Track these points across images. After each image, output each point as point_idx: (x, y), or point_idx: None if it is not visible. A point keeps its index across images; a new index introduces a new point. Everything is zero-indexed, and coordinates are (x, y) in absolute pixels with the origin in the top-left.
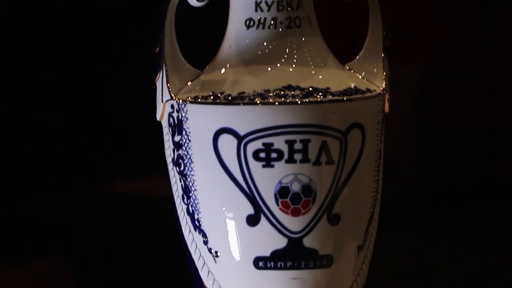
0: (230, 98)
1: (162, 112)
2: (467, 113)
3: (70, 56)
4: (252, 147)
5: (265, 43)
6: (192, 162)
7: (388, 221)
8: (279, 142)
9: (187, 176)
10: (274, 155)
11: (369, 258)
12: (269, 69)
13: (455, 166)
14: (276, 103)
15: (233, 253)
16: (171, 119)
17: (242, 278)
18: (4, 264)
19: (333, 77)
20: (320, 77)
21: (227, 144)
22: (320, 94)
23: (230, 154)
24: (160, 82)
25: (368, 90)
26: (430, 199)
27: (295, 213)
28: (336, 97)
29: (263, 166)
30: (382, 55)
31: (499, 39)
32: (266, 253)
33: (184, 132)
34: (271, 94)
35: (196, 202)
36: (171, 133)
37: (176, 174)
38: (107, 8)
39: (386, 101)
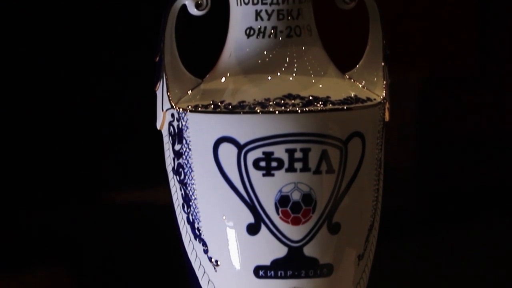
0: (230, 107)
1: (162, 121)
2: (468, 121)
3: (70, 65)
4: (252, 156)
5: (265, 52)
6: (192, 171)
7: (388, 230)
8: (279, 151)
9: (188, 185)
10: (274, 164)
11: (369, 267)
12: (269, 78)
13: (455, 174)
14: (276, 112)
15: (233, 262)
16: (171, 128)
17: (242, 287)
18: (4, 273)
19: (333, 86)
20: (320, 86)
21: (228, 153)
22: (320, 103)
23: (230, 163)
24: (160, 91)
25: (368, 99)
26: (430, 208)
27: (296, 222)
28: (336, 106)
29: (264, 175)
30: (382, 64)
31: (499, 47)
32: (267, 262)
33: (184, 141)
34: (272, 103)
35: (196, 211)
36: (171, 142)
37: (177, 183)
38: (108, 16)
39: (386, 110)
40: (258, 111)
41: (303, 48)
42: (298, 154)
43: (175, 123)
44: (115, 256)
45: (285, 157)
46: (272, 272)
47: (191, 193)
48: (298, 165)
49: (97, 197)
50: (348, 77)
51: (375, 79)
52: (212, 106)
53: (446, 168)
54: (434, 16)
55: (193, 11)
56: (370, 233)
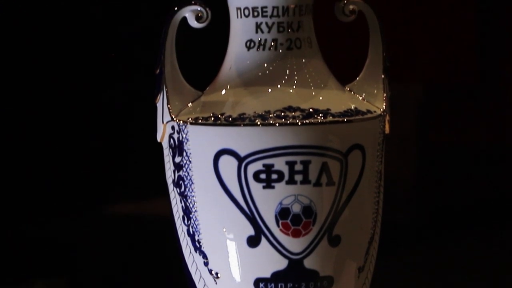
0: (230, 119)
1: (163, 133)
2: (467, 133)
3: (72, 78)
4: (252, 168)
5: (265, 65)
6: (192, 183)
7: (388, 243)
8: (279, 163)
9: (188, 197)
10: (274, 176)
11: (369, 280)
12: (269, 90)
13: (456, 186)
14: (277, 124)
15: (233, 274)
16: (171, 140)
17: None
18: (3, 285)
19: (334, 98)
20: (321, 98)
21: (228, 165)
22: (320, 115)
23: (230, 175)
24: (161, 103)
25: (369, 111)
26: (431, 220)
27: (296, 234)
28: (336, 118)
29: (264, 187)
30: (383, 76)
31: (498, 58)
32: (267, 274)
33: (184, 153)
34: (272, 115)
35: (196, 223)
36: (171, 154)
37: (177, 195)
38: (108, 31)
39: (387, 122)
40: (259, 123)
41: (304, 60)
42: (298, 167)
43: (175, 136)
44: (116, 268)
45: (285, 169)
46: (273, 285)
47: (191, 205)
48: (298, 178)
49: (98, 209)
50: (348, 89)
51: (375, 91)
52: (213, 118)
53: (446, 180)
54: (433, 28)
55: (194, 23)
56: (370, 245)
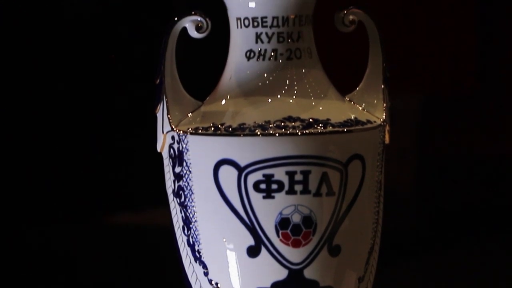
0: (230, 129)
1: (163, 143)
2: (467, 143)
3: (72, 87)
4: (252, 178)
5: (265, 75)
6: (192, 193)
7: (388, 252)
8: (279, 173)
9: (188, 207)
10: (274, 186)
11: None
12: (269, 100)
13: (455, 196)
14: (277, 135)
15: (233, 285)
16: (171, 150)
17: None
18: None
19: (334, 108)
20: (321, 108)
21: (228, 175)
22: (320, 125)
23: (230, 185)
24: (161, 113)
25: (369, 122)
26: (431, 230)
27: (296, 244)
28: (336, 129)
29: (264, 197)
30: (382, 86)
31: (498, 68)
32: (267, 284)
33: (184, 163)
34: (272, 125)
35: (196, 233)
36: (171, 164)
37: (177, 205)
38: (109, 39)
39: (386, 133)
40: (259, 133)
41: (303, 70)
42: (298, 177)
43: (175, 146)
44: (116, 277)
45: (285, 179)
46: None
47: (191, 215)
48: (298, 188)
49: (98, 218)
50: (348, 99)
51: (375, 101)
52: (213, 128)
53: (446, 190)
54: (433, 38)
55: (194, 33)
56: (370, 256)
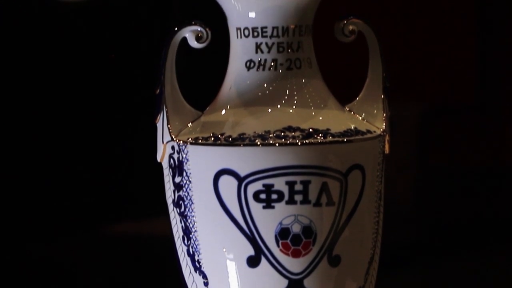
0: (230, 139)
1: (163, 153)
2: (467, 153)
3: (73, 98)
4: (252, 188)
5: (265, 85)
6: (192, 203)
7: (388, 263)
8: (279, 183)
9: (188, 217)
10: (274, 196)
11: None
12: (269, 110)
13: (455, 206)
14: (277, 144)
15: None
16: (171, 160)
17: None
18: None
19: (333, 118)
20: (320, 118)
21: (228, 185)
22: (320, 135)
23: (230, 195)
24: (161, 123)
25: (368, 131)
26: (430, 240)
27: (296, 254)
28: (336, 138)
29: (264, 207)
30: (382, 96)
31: (498, 78)
32: None
33: (184, 173)
34: (272, 135)
35: (196, 243)
36: (171, 174)
37: (177, 215)
38: (109, 48)
39: (386, 142)
40: (258, 143)
41: (303, 80)
42: (298, 187)
43: (175, 156)
44: (116, 287)
45: (285, 189)
46: None
47: (191, 225)
48: (298, 198)
49: (98, 228)
50: (348, 109)
51: (375, 111)
52: (213, 138)
53: (445, 200)
54: (434, 50)
55: (194, 43)
56: (370, 266)
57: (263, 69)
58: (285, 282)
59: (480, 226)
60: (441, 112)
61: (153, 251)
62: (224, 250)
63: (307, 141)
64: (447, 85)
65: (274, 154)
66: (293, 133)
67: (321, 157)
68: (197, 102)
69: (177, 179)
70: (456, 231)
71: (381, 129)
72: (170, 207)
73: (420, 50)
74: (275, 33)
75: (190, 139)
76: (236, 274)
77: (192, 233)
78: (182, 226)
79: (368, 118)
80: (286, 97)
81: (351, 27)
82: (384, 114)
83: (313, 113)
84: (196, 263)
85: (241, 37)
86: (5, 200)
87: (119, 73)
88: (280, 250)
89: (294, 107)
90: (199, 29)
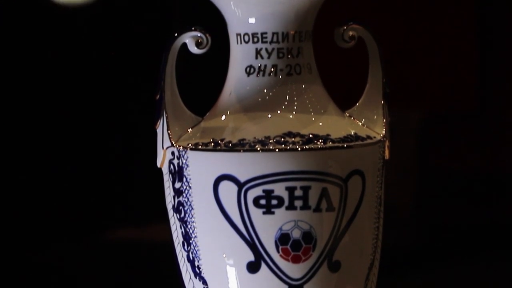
0: (230, 145)
1: (163, 159)
2: (467, 159)
3: (72, 103)
4: (252, 194)
5: (265, 90)
6: (192, 209)
7: (388, 268)
8: (279, 189)
9: (188, 223)
10: (274, 201)
11: None
12: (269, 116)
13: (455, 212)
14: (277, 150)
15: None
16: (171, 166)
17: None
18: None
19: (333, 124)
20: (320, 124)
21: (228, 191)
22: (320, 141)
23: (230, 201)
24: (161, 129)
25: (368, 137)
26: (430, 246)
27: (296, 260)
28: (336, 144)
29: (264, 212)
30: (382, 102)
31: (499, 85)
32: None
33: (184, 179)
34: (272, 141)
35: (196, 249)
36: (171, 180)
37: (177, 221)
38: (109, 55)
39: (386, 148)
40: (258, 149)
41: (303, 86)
42: (298, 192)
43: (175, 161)
44: None
45: (285, 195)
46: None
47: (191, 231)
48: (298, 203)
49: (98, 234)
50: (348, 115)
51: (375, 117)
52: (212, 144)
53: (445, 206)
54: (435, 55)
55: (194, 49)
56: (370, 271)
57: (263, 75)
58: (285, 287)
59: (481, 231)
60: (441, 118)
61: (153, 256)
62: (224, 255)
63: (307, 146)
64: (447, 91)
65: (274, 159)
66: (293, 139)
67: (321, 163)
68: (197, 108)
69: (177, 185)
70: (456, 236)
71: (381, 135)
72: (170, 212)
73: (421, 56)
74: (275, 39)
75: (190, 145)
76: (236, 279)
77: (192, 239)
78: (182, 232)
79: (368, 124)
80: (286, 103)
81: (351, 33)
82: (384, 120)
83: (313, 119)
84: (196, 268)
85: (241, 42)
86: (6, 206)
87: (119, 78)
88: (280, 255)
89: (294, 112)
90: (199, 35)
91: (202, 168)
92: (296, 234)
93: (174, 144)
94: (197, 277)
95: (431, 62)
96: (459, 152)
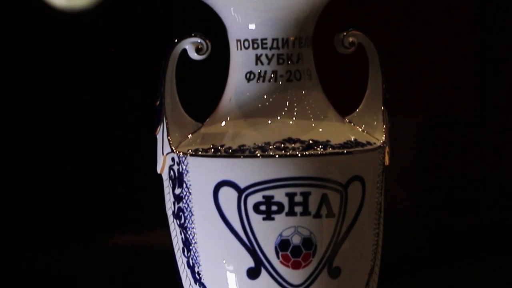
0: (230, 151)
1: (163, 165)
2: (467, 164)
3: (73, 108)
4: (252, 199)
5: (265, 96)
6: (192, 215)
7: (388, 274)
8: (279, 195)
9: (188, 229)
10: (274, 207)
11: None
12: (269, 122)
13: (455, 218)
14: (277, 156)
15: None
16: (171, 172)
17: None
18: None
19: (333, 130)
20: (320, 130)
21: (228, 196)
22: (320, 147)
23: (230, 206)
24: (161, 135)
25: (368, 143)
26: (431, 252)
27: (296, 266)
28: (336, 150)
29: (264, 218)
30: (382, 108)
31: (498, 90)
32: None
33: (184, 185)
34: (272, 146)
35: (196, 255)
36: (171, 185)
37: (177, 227)
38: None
39: (386, 154)
40: (258, 155)
41: (303, 92)
42: (298, 198)
43: (175, 167)
44: None
45: (285, 201)
46: None
47: (191, 237)
48: (298, 209)
49: (98, 240)
50: (348, 121)
51: (375, 123)
52: (213, 150)
53: (446, 211)
54: (435, 62)
55: (194, 55)
56: (370, 277)
57: (263, 81)
58: None
59: (481, 237)
60: (441, 124)
61: (153, 262)
62: (224, 261)
63: (307, 152)
64: (448, 97)
65: (274, 165)
66: (293, 145)
67: (321, 169)
68: (197, 114)
69: (177, 191)
70: (456, 243)
71: (381, 141)
72: (170, 218)
73: (420, 61)
74: (275, 45)
75: (190, 151)
76: (236, 286)
77: (192, 245)
78: (182, 238)
79: (368, 130)
80: (286, 109)
81: (351, 39)
82: (384, 126)
83: (313, 125)
84: (196, 274)
85: (241, 48)
86: (5, 211)
87: (119, 84)
88: (280, 261)
89: (294, 118)
90: (199, 41)
91: (202, 174)
92: (296, 240)
93: (174, 150)
94: (197, 283)
95: (431, 67)
96: (459, 157)
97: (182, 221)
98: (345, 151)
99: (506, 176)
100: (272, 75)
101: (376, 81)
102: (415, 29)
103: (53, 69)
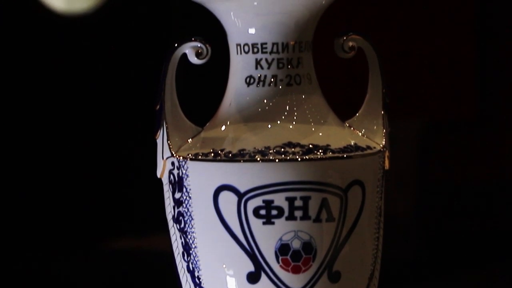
0: (230, 155)
1: (163, 169)
2: (467, 168)
3: (74, 115)
4: (252, 204)
5: (265, 100)
6: (192, 219)
7: (388, 279)
8: (279, 199)
9: (188, 233)
10: (274, 212)
11: None
12: (269, 126)
13: (455, 222)
14: (276, 160)
15: None
16: (171, 176)
17: None
18: None
19: (333, 134)
20: (320, 134)
21: (228, 201)
22: (320, 151)
23: (230, 211)
24: (161, 139)
25: (368, 147)
26: (430, 256)
27: (296, 270)
28: (336, 154)
29: (264, 223)
30: (382, 112)
31: (498, 94)
32: None
33: (184, 189)
34: (272, 151)
35: (196, 259)
36: (171, 190)
37: (177, 231)
38: (110, 65)
39: (386, 158)
40: (258, 159)
41: (303, 96)
42: (298, 202)
43: (175, 172)
44: None
45: (285, 205)
46: None
47: (191, 241)
48: (298, 213)
49: (98, 244)
50: (348, 125)
51: (375, 127)
52: (212, 154)
53: (445, 216)
54: (434, 66)
55: (194, 60)
56: (370, 282)
57: (263, 85)
58: None
59: (481, 240)
60: (441, 128)
61: (153, 267)
62: (224, 266)
63: (307, 157)
64: (447, 101)
65: (274, 170)
66: (293, 149)
67: (321, 173)
68: (197, 118)
69: (177, 195)
70: (456, 246)
71: (381, 145)
72: (170, 223)
73: (420, 66)
74: (275, 49)
75: (190, 155)
76: None
77: (192, 249)
78: (182, 242)
79: (368, 134)
80: (286, 113)
81: (350, 43)
82: (384, 130)
83: (313, 129)
84: (196, 279)
85: (241, 53)
86: (7, 216)
87: (120, 89)
88: (280, 266)
89: (294, 123)
90: (199, 45)
91: (202, 178)
92: (296, 244)
93: (174, 154)
94: None
95: (431, 72)
96: (459, 161)
97: (182, 225)
98: (345, 156)
99: (506, 178)
100: (272, 80)
101: (376, 86)
102: (414, 34)
103: (54, 74)
